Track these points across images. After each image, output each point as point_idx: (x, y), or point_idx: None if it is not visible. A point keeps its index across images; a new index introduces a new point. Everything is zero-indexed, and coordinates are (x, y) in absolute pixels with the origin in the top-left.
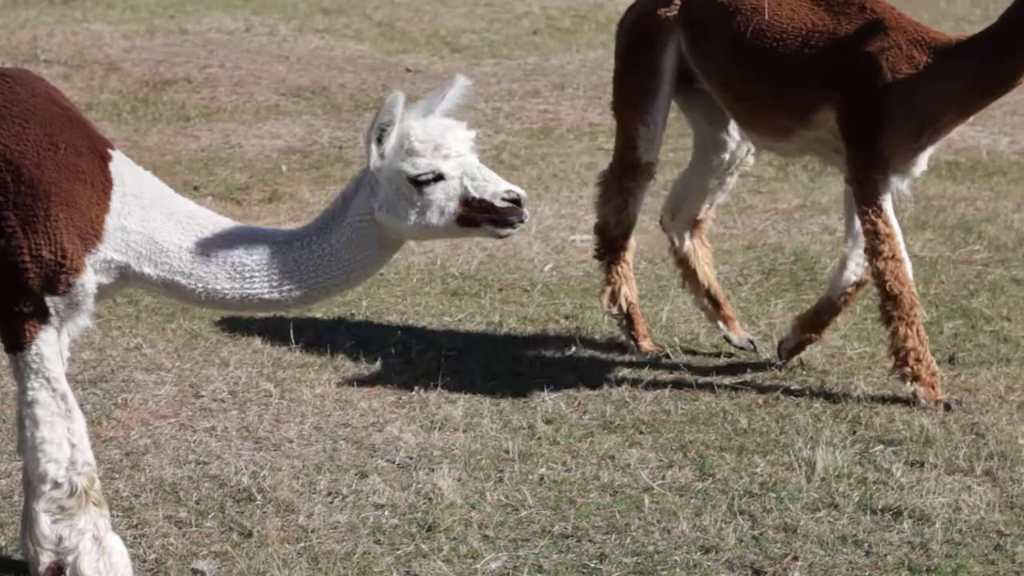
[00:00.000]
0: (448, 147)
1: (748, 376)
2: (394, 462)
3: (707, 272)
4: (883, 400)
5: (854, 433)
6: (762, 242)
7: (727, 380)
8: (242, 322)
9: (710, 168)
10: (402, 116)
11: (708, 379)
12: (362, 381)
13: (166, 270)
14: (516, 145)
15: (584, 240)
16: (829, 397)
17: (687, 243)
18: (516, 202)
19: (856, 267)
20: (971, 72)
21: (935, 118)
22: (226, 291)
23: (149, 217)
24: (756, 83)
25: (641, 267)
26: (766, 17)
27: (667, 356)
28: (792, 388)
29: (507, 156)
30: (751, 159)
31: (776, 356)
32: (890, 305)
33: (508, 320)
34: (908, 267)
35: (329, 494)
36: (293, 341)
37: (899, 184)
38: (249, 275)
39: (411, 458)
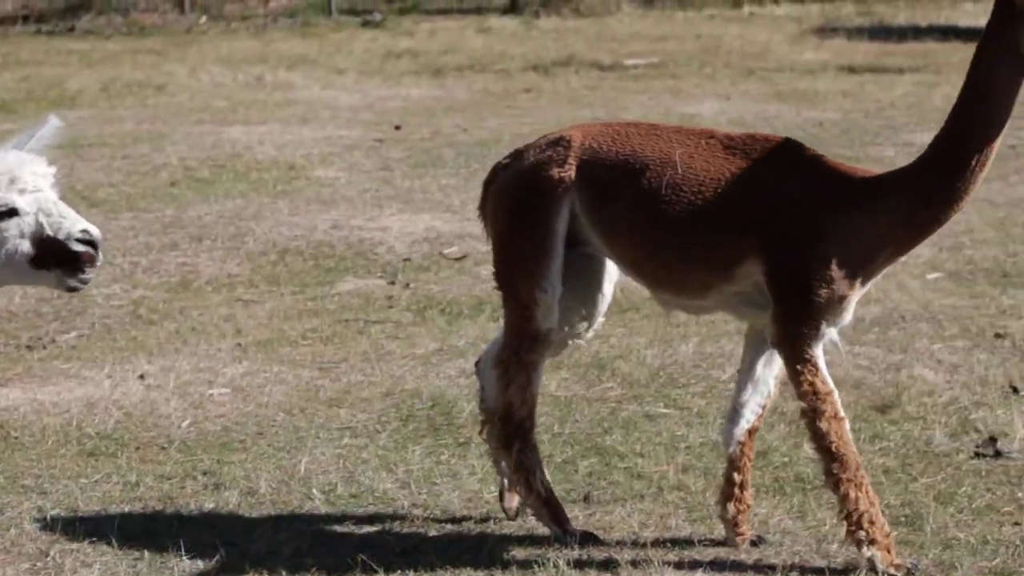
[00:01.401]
0: (25, 181)
1: (387, 526)
2: None
3: None
4: (520, 542)
5: None
6: (400, 388)
7: (366, 530)
8: None
9: (557, 339)
10: None
11: (347, 530)
12: None
13: None
14: (154, 299)
15: (222, 393)
16: (466, 541)
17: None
18: (93, 244)
19: (751, 416)
20: (904, 207)
21: (871, 260)
22: None
23: None
24: (673, 239)
25: (279, 418)
26: (679, 171)
27: (597, 539)
28: (430, 535)
29: (144, 311)
30: (591, 334)
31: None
32: (836, 468)
33: (145, 479)
34: (848, 424)
35: None
36: None
37: (832, 335)
38: None
39: None
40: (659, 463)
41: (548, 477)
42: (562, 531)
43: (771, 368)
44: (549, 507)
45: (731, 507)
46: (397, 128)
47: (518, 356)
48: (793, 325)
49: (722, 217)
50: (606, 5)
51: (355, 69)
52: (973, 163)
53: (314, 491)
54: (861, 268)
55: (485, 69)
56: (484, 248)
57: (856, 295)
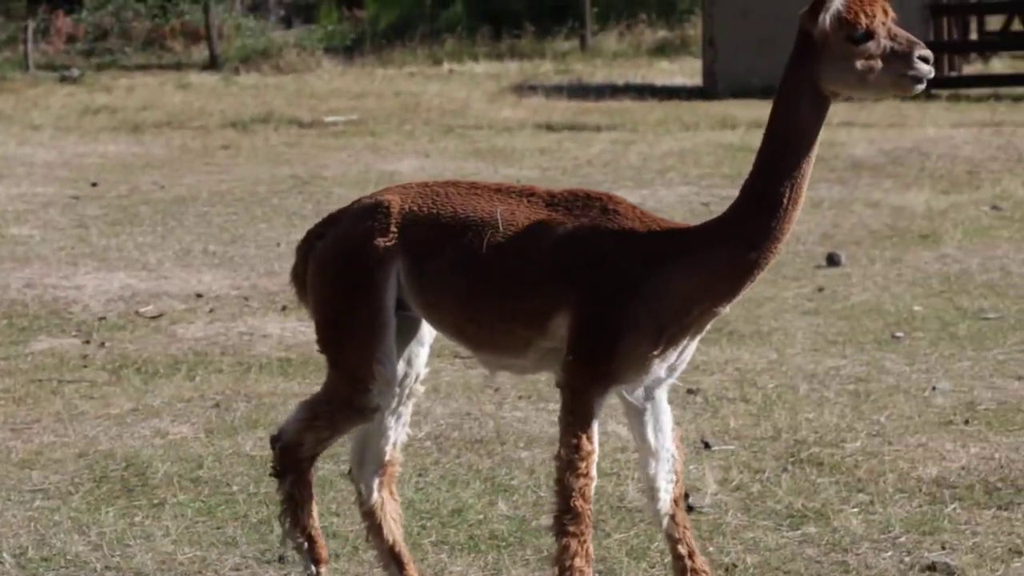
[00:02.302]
0: None
1: None
2: None
3: (392, 528)
4: None
5: None
6: (94, 449)
7: None
8: None
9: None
10: None
11: None
12: None
13: None
14: None
15: None
16: None
17: (375, 495)
18: None
19: (667, 486)
20: (724, 255)
21: (683, 315)
22: None
23: None
24: (494, 296)
25: None
26: (500, 228)
27: None
28: None
29: None
30: (420, 388)
31: None
32: (568, 519)
33: None
34: (594, 485)
35: None
36: None
37: (628, 395)
38: None
39: None
40: (354, 522)
41: (316, 516)
42: (316, 572)
43: (664, 432)
44: (312, 545)
45: None
46: (94, 185)
47: (332, 419)
48: (584, 377)
49: (538, 271)
50: (306, 62)
51: (52, 125)
52: (786, 201)
53: (4, 555)
54: (670, 326)
55: (184, 125)
56: (180, 306)
57: (660, 356)
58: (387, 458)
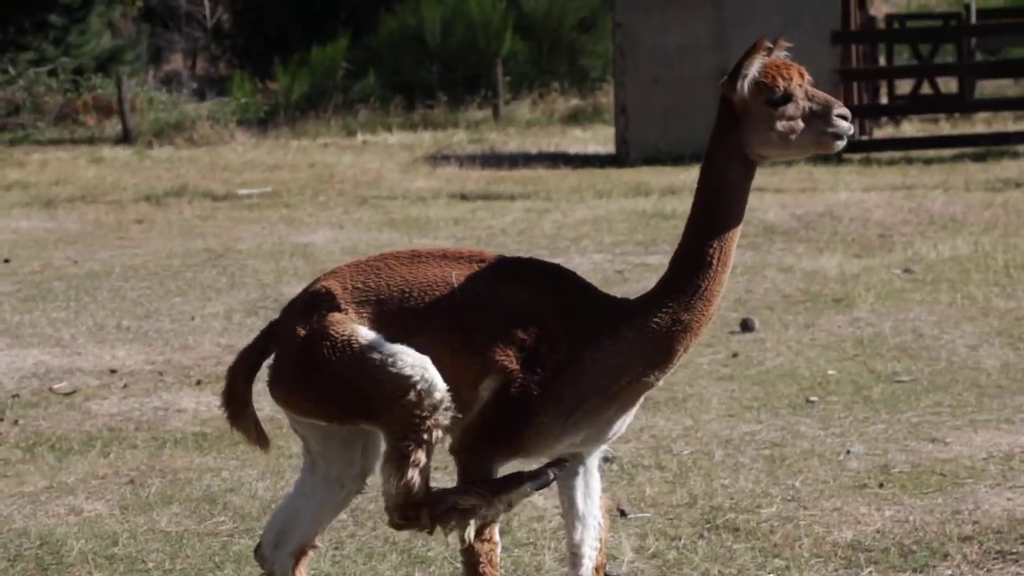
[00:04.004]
0: None
1: None
2: None
3: None
4: None
5: None
6: (8, 528)
7: None
8: None
9: (329, 493)
10: None
11: None
12: None
13: None
14: None
15: None
16: None
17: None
18: None
19: (591, 552)
20: (653, 325)
21: (606, 386)
22: None
23: None
24: (447, 359)
25: None
26: (455, 293)
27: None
28: None
29: None
30: (366, 483)
31: None
32: None
33: None
34: (499, 550)
35: None
36: None
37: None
38: None
39: None
40: None
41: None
42: (533, 479)
43: (592, 499)
44: (501, 484)
45: None
46: (6, 261)
47: (417, 435)
48: (485, 442)
49: (479, 334)
50: (219, 134)
51: None
52: (715, 261)
53: None
54: (591, 398)
55: (97, 200)
56: (94, 382)
57: (575, 429)
58: (313, 542)
